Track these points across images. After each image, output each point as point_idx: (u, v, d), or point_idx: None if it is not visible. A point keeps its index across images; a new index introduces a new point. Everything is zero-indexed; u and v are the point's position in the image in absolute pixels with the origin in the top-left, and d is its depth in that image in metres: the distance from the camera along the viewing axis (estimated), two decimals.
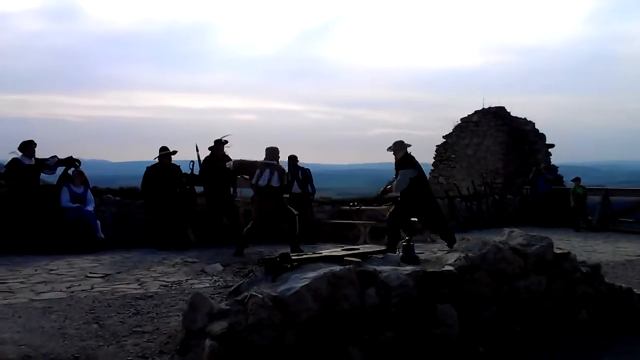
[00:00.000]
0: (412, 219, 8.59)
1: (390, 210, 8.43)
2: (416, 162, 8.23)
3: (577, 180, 13.89)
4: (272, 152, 8.50)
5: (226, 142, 9.84)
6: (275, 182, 8.18)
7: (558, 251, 4.84)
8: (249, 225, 8.41)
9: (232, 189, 10.04)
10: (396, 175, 8.16)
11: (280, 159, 8.66)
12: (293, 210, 8.55)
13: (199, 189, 10.10)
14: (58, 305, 4.86)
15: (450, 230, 8.41)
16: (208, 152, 9.88)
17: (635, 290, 5.24)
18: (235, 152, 9.99)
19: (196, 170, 9.97)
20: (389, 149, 8.23)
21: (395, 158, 8.18)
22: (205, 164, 9.76)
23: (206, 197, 9.84)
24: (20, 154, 8.82)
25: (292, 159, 10.82)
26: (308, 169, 10.94)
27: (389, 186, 8.40)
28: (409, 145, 8.25)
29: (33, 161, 8.85)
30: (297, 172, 10.67)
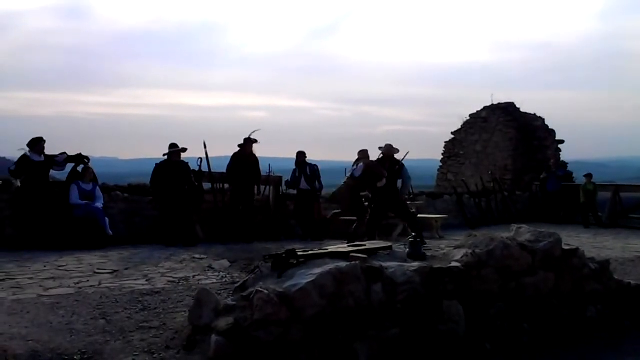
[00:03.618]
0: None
1: (370, 212, 9.11)
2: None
3: (588, 176, 13.78)
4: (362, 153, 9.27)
5: (256, 141, 10.01)
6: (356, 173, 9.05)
7: (566, 247, 4.81)
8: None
9: (256, 188, 10.27)
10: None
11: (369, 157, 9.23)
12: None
13: (207, 185, 10.17)
14: (66, 301, 4.89)
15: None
16: (237, 149, 10.08)
17: None
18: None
19: (204, 168, 10.03)
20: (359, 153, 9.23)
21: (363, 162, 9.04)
22: (234, 160, 9.97)
23: (230, 191, 10.07)
24: (29, 150, 8.87)
25: (300, 155, 10.83)
26: (316, 165, 10.93)
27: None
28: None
29: (42, 158, 8.90)
30: (305, 168, 10.68)
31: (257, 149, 10.19)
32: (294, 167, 10.83)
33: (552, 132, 16.80)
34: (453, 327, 3.98)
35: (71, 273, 6.34)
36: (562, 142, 16.75)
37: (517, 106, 17.43)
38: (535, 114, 17.18)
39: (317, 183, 10.78)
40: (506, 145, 16.84)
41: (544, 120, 16.99)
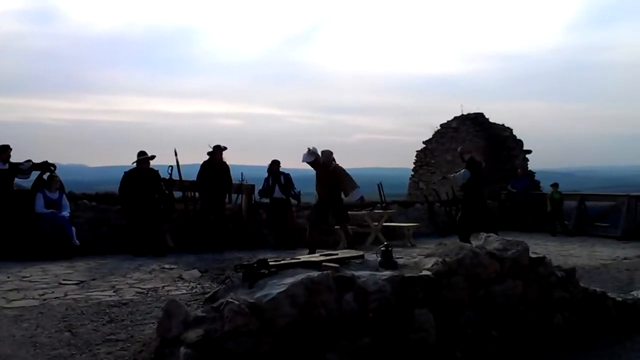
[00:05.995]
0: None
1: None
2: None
3: (555, 185, 14.11)
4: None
5: (225, 148, 9.99)
6: None
7: (534, 255, 4.88)
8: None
9: (227, 196, 10.22)
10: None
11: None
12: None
13: (177, 193, 10.06)
14: (30, 313, 4.76)
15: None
16: (207, 157, 10.01)
17: (609, 294, 5.31)
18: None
19: (175, 175, 9.92)
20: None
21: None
22: (204, 168, 9.91)
23: (201, 200, 9.96)
24: None
25: (275, 163, 10.80)
26: (289, 174, 10.92)
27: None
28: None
29: (6, 166, 8.67)
30: (280, 177, 10.65)
31: (229, 157, 10.15)
32: (267, 175, 10.78)
33: (520, 142, 17.16)
34: (424, 336, 4.00)
35: (35, 284, 6.17)
36: (529, 152, 17.11)
37: (486, 117, 17.76)
38: (503, 125, 17.53)
39: (292, 191, 10.76)
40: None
41: (512, 130, 17.35)
